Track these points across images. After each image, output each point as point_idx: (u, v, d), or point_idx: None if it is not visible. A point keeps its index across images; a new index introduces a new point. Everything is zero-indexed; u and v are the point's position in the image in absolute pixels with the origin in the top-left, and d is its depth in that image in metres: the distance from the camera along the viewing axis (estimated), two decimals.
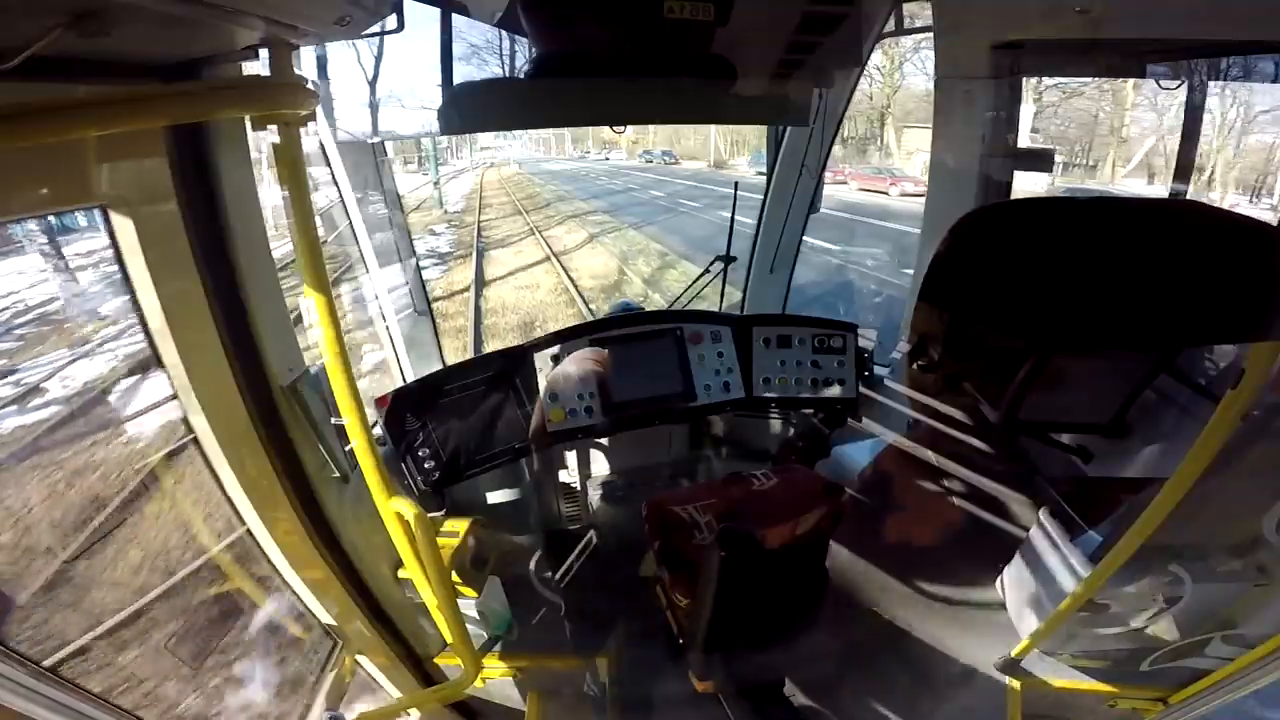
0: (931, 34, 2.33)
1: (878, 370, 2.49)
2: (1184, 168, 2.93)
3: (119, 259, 1.10)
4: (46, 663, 1.23)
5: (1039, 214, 1.43)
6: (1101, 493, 1.88)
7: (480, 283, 12.84)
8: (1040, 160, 2.39)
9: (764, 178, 2.99)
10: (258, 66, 1.09)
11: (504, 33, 1.77)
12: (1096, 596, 1.61)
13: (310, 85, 0.99)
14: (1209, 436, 1.15)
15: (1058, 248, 1.29)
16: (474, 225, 18.87)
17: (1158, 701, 1.65)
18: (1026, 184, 2.46)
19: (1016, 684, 1.88)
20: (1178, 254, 1.19)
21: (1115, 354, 1.72)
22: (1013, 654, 1.86)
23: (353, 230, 2.24)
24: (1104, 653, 1.83)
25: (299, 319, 1.36)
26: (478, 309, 11.09)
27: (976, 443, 2.02)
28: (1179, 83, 2.27)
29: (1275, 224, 1.31)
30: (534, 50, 1.75)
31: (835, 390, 2.27)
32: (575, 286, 12.41)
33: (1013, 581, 2.16)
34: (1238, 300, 1.13)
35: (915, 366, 1.61)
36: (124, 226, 1.07)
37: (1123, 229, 1.25)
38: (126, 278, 1.11)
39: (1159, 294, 1.19)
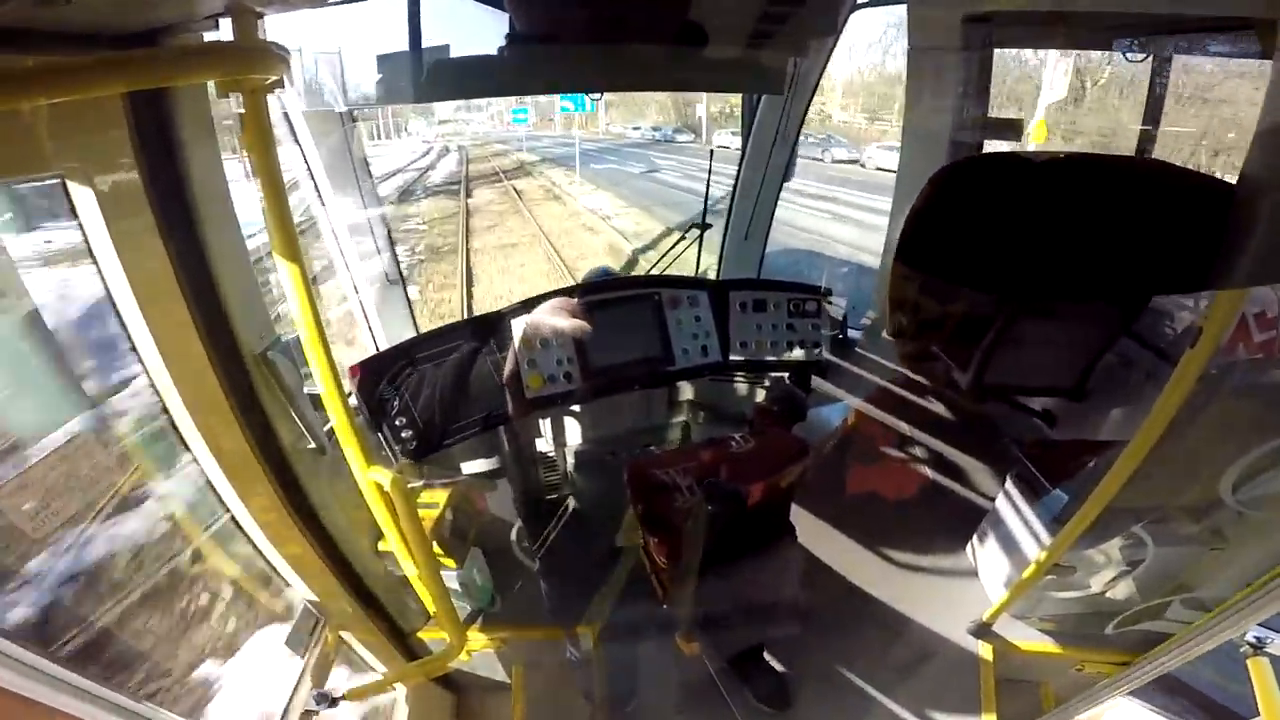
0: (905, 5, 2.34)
1: (851, 334, 2.53)
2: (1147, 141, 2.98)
3: (81, 229, 1.07)
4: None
5: (1014, 168, 1.47)
6: (1067, 455, 1.94)
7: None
8: (1009, 129, 2.43)
9: None
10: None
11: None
12: (1063, 559, 1.65)
13: (277, 50, 0.95)
14: (1169, 396, 1.19)
15: (1032, 201, 1.32)
16: None
17: (1122, 666, 1.71)
18: None
19: (989, 647, 1.94)
20: (1145, 208, 1.23)
21: (1077, 317, 1.76)
22: (984, 618, 1.92)
23: (320, 199, 2.18)
24: (1071, 617, 1.88)
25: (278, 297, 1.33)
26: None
27: (946, 406, 2.07)
28: (1144, 56, 2.31)
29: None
30: (507, 16, 1.70)
31: (810, 352, 2.32)
32: None
33: (982, 545, 2.23)
34: (1200, 251, 1.17)
35: (893, 324, 1.64)
36: (84, 197, 1.03)
37: (1093, 184, 1.29)
38: (89, 247, 1.08)
39: (1131, 245, 1.23)
